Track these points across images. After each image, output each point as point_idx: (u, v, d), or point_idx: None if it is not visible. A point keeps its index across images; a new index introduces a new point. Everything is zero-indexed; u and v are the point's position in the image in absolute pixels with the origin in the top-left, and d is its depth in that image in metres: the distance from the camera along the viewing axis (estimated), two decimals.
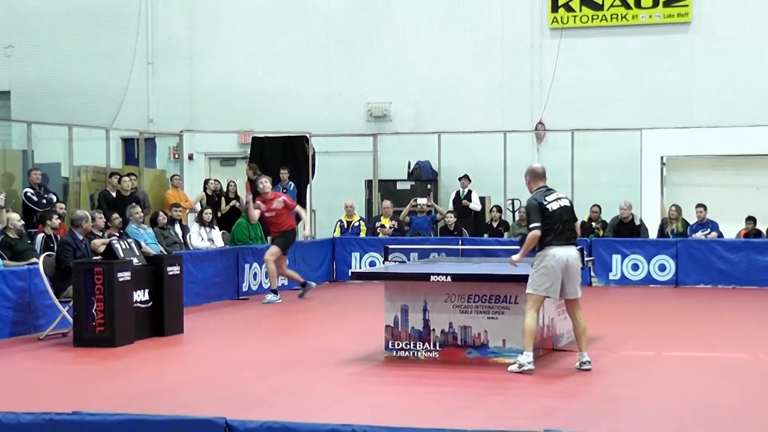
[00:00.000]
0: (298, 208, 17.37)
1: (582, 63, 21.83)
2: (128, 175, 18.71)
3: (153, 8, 24.34)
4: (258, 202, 16.74)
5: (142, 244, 14.69)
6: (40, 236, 14.94)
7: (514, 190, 21.57)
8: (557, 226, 10.17)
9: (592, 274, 18.38)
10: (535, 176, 10.49)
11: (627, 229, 19.28)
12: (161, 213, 17.55)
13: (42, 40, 23.67)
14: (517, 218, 20.59)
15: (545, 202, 10.22)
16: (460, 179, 21.07)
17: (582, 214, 20.13)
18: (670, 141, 21.05)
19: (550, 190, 10.36)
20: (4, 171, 18.31)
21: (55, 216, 14.99)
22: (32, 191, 16.92)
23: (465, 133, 21.59)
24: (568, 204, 10.40)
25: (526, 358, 10.02)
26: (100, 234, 14.71)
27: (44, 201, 16.69)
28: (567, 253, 10.16)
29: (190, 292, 14.75)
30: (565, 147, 21.20)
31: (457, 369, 10.28)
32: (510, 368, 10.08)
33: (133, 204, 16.94)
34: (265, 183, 16.76)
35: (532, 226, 10.25)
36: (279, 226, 16.78)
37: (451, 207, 20.81)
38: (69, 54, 23.63)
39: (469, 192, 21.00)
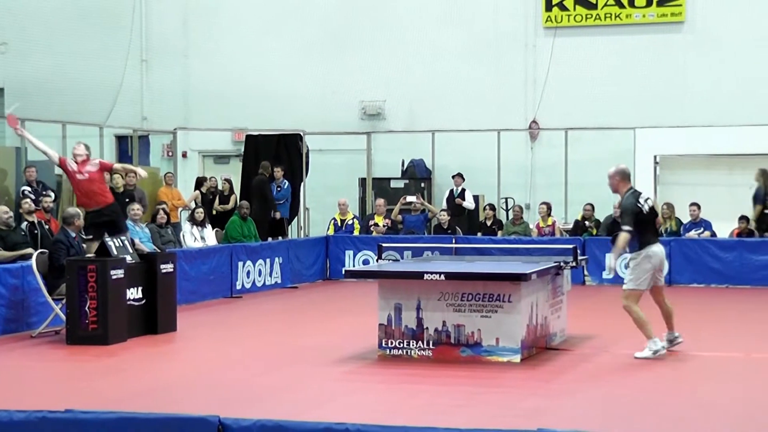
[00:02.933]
0: (119, 166, 14.84)
1: (576, 62, 21.84)
2: (128, 173, 18.70)
3: (147, 5, 24.31)
4: (69, 162, 13.58)
5: (136, 241, 14.67)
6: (23, 225, 14.98)
7: (507, 188, 21.62)
8: (650, 225, 10.99)
9: (586, 273, 18.38)
10: (625, 177, 11.05)
11: (620, 228, 19.24)
12: (161, 211, 17.51)
13: (36, 37, 23.63)
14: (510, 216, 20.59)
15: (640, 205, 10.89)
16: (453, 177, 21.08)
17: (575, 213, 20.22)
18: (664, 140, 21.07)
19: (637, 191, 11.04)
20: None
21: (26, 201, 15.17)
22: (29, 189, 16.91)
23: (459, 132, 21.61)
24: (653, 204, 11.22)
25: (657, 344, 10.77)
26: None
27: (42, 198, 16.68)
28: (661, 249, 11.04)
29: (183, 289, 14.73)
30: (558, 146, 21.23)
31: (451, 367, 10.28)
32: (639, 355, 10.69)
33: (133, 201, 16.96)
34: (78, 147, 13.54)
35: (625, 228, 10.84)
36: (95, 197, 13.43)
37: (444, 205, 20.81)
38: (63, 51, 23.59)
39: (463, 190, 20.99)
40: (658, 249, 10.98)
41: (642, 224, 10.84)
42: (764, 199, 19.18)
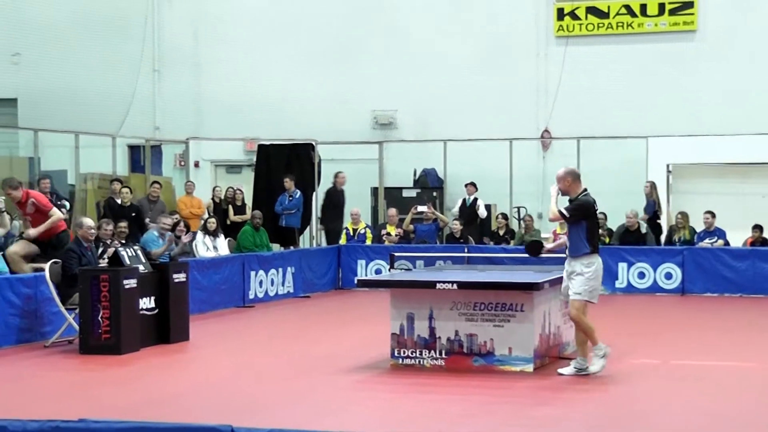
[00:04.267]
0: (53, 210, 13.79)
1: (587, 71, 21.84)
2: (153, 183, 19.01)
3: (159, 16, 24.39)
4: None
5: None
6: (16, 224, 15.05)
7: (519, 197, 21.58)
8: (597, 232, 10.55)
9: None
10: (576, 178, 10.53)
11: (633, 237, 19.24)
12: (182, 223, 17.54)
13: (48, 47, 23.74)
14: (523, 226, 20.56)
15: (596, 208, 10.50)
16: (466, 186, 21.04)
17: None
18: (676, 149, 21.03)
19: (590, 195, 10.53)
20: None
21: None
22: None
23: (471, 141, 21.60)
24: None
25: (602, 360, 10.36)
26: (108, 242, 14.73)
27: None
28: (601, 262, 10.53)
29: (195, 299, 14.75)
30: (570, 155, 21.16)
31: (463, 377, 10.27)
32: (562, 371, 10.36)
33: (166, 213, 17.17)
34: (11, 192, 13.63)
35: (567, 214, 10.31)
36: (47, 229, 13.48)
37: (457, 214, 20.79)
38: (75, 61, 23.70)
39: (475, 199, 20.96)
40: (601, 261, 10.45)
41: (593, 227, 10.38)
42: (654, 210, 19.35)
